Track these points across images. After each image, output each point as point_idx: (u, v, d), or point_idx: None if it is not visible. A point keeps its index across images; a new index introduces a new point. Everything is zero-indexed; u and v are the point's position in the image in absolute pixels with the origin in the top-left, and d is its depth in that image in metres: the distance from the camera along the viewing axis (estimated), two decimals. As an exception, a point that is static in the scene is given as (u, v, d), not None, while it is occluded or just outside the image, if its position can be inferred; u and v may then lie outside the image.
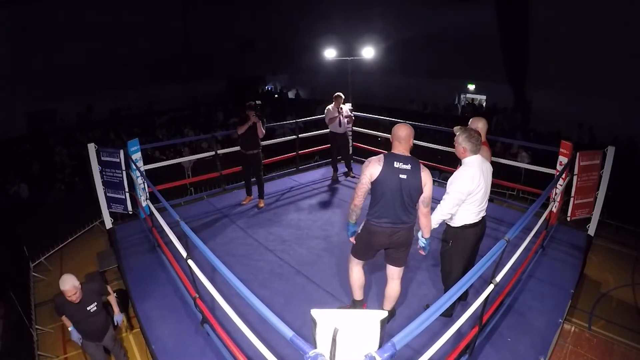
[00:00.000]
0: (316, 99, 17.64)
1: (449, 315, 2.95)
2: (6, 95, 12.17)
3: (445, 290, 3.00)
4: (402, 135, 2.56)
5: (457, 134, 2.75)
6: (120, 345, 3.69)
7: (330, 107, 5.76)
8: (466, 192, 2.67)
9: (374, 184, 2.56)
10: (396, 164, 2.51)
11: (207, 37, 17.29)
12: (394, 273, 2.83)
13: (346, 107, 5.80)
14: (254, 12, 17.37)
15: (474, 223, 2.82)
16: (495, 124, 12.25)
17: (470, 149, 2.70)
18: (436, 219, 2.78)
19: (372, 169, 2.53)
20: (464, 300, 3.18)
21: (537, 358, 2.73)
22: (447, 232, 2.91)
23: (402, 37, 14.32)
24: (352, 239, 2.80)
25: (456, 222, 2.82)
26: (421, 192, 2.55)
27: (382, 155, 2.58)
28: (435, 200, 2.75)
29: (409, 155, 2.59)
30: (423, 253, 2.80)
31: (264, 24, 17.72)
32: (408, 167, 2.51)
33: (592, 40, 10.21)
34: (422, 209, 2.62)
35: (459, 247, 2.87)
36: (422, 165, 2.57)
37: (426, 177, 2.55)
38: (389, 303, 2.92)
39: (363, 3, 15.06)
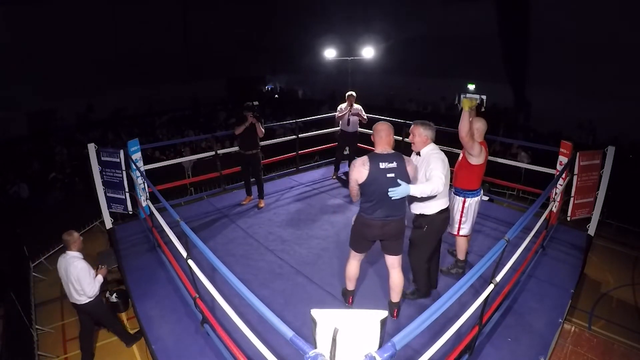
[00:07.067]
0: (316, 99, 17.65)
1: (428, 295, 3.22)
2: (6, 95, 12.16)
3: (414, 277, 3.21)
4: (382, 131, 2.65)
5: (413, 126, 2.93)
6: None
7: (342, 105, 5.83)
8: (446, 173, 2.81)
9: (362, 185, 2.63)
10: (382, 165, 2.57)
11: (207, 37, 17.28)
12: (393, 262, 2.89)
13: (357, 107, 5.84)
14: (254, 11, 17.37)
15: (445, 208, 3.01)
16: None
17: (431, 136, 2.90)
18: (422, 190, 2.61)
19: (357, 174, 2.60)
20: (434, 288, 3.35)
21: (537, 358, 2.73)
22: (420, 219, 3.03)
23: (402, 37, 14.33)
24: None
25: (432, 209, 2.95)
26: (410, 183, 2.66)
27: (366, 157, 2.62)
28: None
29: (393, 151, 2.68)
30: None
31: (264, 24, 17.72)
32: (394, 164, 2.58)
33: (592, 40, 10.21)
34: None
35: (433, 232, 3.04)
36: (406, 159, 2.67)
37: (412, 170, 2.67)
38: (395, 294, 3.00)
39: (363, 3, 15.05)
